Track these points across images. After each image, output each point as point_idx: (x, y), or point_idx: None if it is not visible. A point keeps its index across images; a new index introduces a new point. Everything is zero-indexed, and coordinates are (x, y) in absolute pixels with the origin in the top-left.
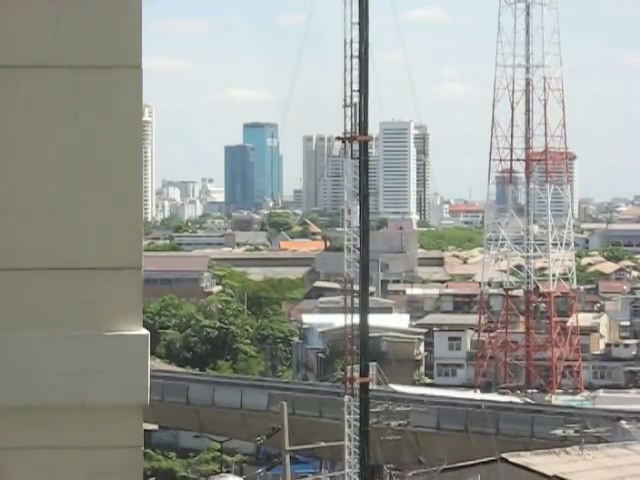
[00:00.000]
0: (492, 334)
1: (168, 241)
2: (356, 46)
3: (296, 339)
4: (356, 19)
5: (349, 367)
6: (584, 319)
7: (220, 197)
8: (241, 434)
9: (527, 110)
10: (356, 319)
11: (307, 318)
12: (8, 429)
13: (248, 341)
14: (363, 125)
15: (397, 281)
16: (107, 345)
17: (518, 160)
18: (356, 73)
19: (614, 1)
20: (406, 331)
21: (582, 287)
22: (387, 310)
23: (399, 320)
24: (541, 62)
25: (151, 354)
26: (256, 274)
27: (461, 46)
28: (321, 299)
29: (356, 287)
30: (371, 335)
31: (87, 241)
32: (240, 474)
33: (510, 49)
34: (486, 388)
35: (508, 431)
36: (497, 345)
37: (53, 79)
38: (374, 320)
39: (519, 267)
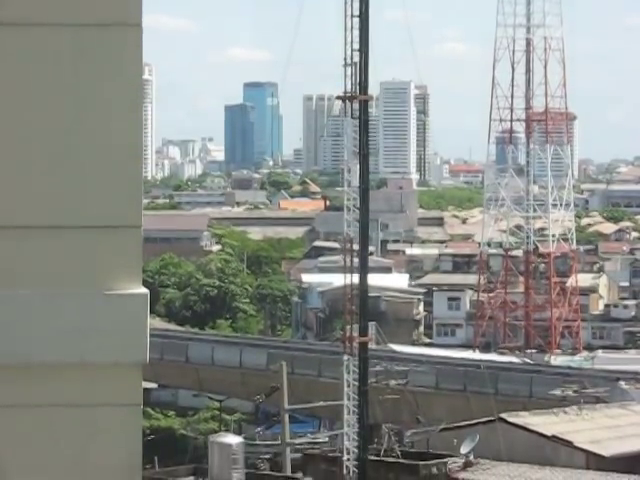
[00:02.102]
0: (491, 294)
1: (168, 200)
2: (356, 4)
3: (295, 298)
4: None
5: (348, 326)
6: (583, 280)
7: (220, 156)
8: (240, 393)
9: (527, 70)
10: (355, 279)
11: (306, 277)
12: (8, 386)
13: (247, 300)
14: (363, 84)
15: (397, 241)
16: (106, 303)
17: (518, 120)
18: (356, 32)
19: None
20: (405, 291)
21: (581, 248)
22: (386, 270)
23: (398, 280)
24: (542, 22)
25: (150, 313)
26: (256, 233)
27: (462, 5)
28: (320, 258)
29: (356, 247)
30: (370, 295)
31: (87, 199)
32: (239, 433)
33: (511, 8)
34: (485, 348)
35: (507, 391)
36: (496, 305)
37: (53, 37)
38: (373, 280)
39: (519, 227)
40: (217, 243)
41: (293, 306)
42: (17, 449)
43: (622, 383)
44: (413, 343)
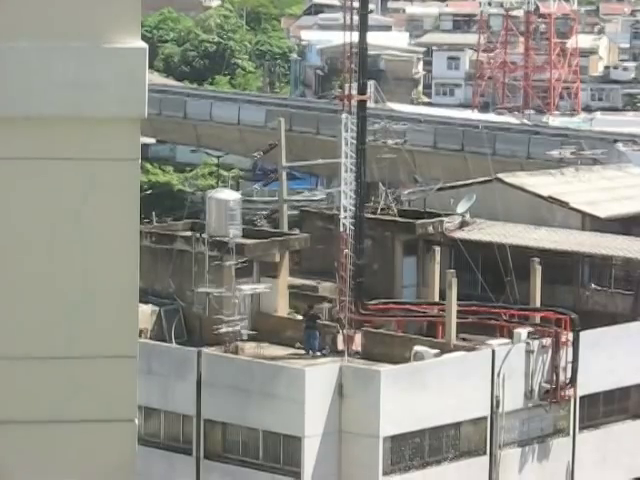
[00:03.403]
0: (491, 54)
1: None
2: None
3: (294, 56)
4: None
5: (347, 84)
6: (584, 41)
7: None
8: (238, 149)
9: None
10: (355, 37)
11: (306, 35)
12: (8, 139)
13: (246, 57)
14: None
15: None
16: (105, 57)
17: None
18: None
19: None
20: (405, 50)
21: (582, 8)
22: (386, 28)
23: (398, 38)
24: None
25: (149, 67)
26: None
27: None
28: (320, 15)
29: (356, 4)
30: (370, 53)
31: None
32: (237, 189)
33: None
34: (484, 108)
35: (504, 151)
36: (496, 65)
37: None
38: (373, 38)
39: None
40: None
41: (292, 63)
42: (18, 201)
43: (619, 145)
44: (412, 102)
